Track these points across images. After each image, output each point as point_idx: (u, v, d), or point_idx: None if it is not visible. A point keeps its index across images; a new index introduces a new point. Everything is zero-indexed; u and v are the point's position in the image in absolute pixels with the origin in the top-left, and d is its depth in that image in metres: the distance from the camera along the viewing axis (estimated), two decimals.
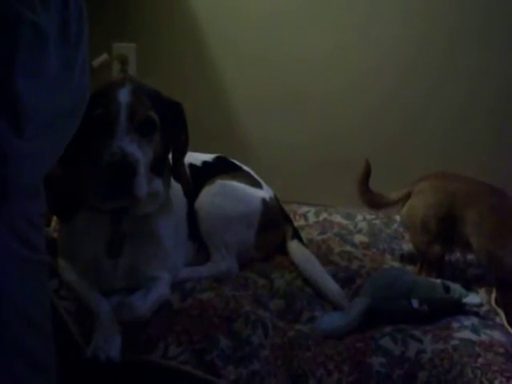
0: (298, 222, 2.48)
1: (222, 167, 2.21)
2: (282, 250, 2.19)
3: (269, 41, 2.87)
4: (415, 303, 1.76)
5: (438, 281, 1.86)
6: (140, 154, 1.65)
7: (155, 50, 2.97)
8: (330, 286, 1.96)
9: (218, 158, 2.26)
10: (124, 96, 1.68)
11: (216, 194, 2.07)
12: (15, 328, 1.17)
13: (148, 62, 2.97)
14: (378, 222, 2.51)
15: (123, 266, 1.81)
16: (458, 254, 2.17)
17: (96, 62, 2.68)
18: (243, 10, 2.90)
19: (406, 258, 2.26)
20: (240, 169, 2.28)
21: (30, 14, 1.01)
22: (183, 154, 1.87)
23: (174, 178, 1.85)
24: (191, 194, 2.03)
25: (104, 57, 2.78)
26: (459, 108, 2.73)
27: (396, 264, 2.22)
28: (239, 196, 2.10)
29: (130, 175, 1.61)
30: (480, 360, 1.57)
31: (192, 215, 2.04)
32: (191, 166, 2.09)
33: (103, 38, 2.78)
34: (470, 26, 2.69)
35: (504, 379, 1.51)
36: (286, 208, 2.38)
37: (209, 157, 2.23)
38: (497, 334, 1.69)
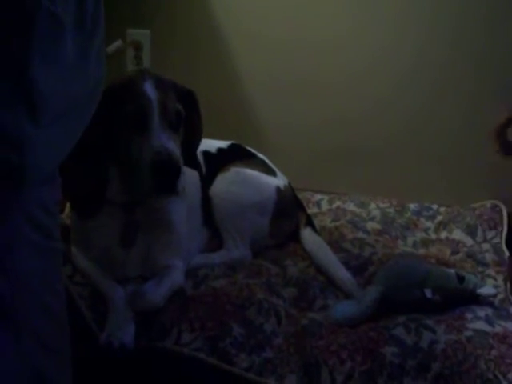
0: (312, 210, 2.48)
1: (237, 154, 2.22)
2: (296, 237, 2.19)
3: (282, 26, 2.84)
4: (429, 293, 1.75)
5: (453, 271, 1.85)
6: (177, 150, 1.66)
7: (169, 36, 2.96)
8: (342, 274, 1.96)
9: (232, 144, 2.26)
10: (152, 90, 1.68)
11: (231, 182, 2.07)
12: (32, 315, 1.18)
13: (162, 48, 2.96)
14: (391, 210, 2.50)
15: (136, 254, 1.82)
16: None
17: (110, 49, 2.67)
18: None
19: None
20: (254, 156, 2.28)
21: (47, 1, 1.01)
22: (198, 142, 1.88)
23: (188, 166, 1.84)
24: (205, 181, 2.04)
25: (118, 43, 2.77)
26: (476, 92, 2.71)
27: (409, 249, 2.22)
28: (254, 184, 2.11)
29: (177, 174, 1.62)
30: (493, 352, 1.57)
31: (206, 202, 2.04)
32: (206, 152, 2.09)
33: (117, 23, 2.78)
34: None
35: None
36: (300, 196, 2.38)
37: (223, 144, 2.23)
38: (511, 326, 1.68)
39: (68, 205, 1.96)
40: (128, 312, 1.68)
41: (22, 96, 1.01)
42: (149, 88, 1.68)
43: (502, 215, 2.45)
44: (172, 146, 1.64)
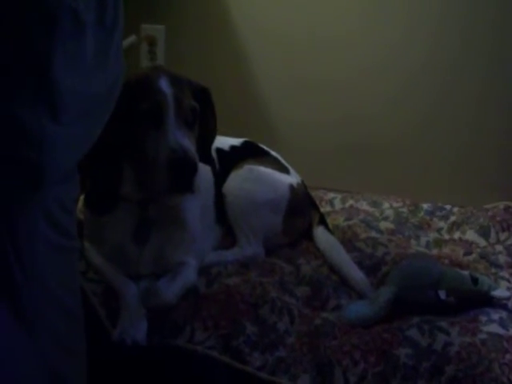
0: (324, 208, 2.47)
1: (250, 152, 2.21)
2: (309, 235, 2.18)
3: (296, 23, 2.84)
4: (443, 294, 1.74)
5: (467, 273, 1.84)
6: (193, 147, 1.65)
7: (184, 31, 2.95)
8: (355, 274, 1.95)
9: (245, 142, 2.26)
10: (167, 87, 1.67)
11: (244, 179, 2.07)
12: (48, 314, 1.18)
13: (176, 43, 2.96)
14: (404, 209, 2.49)
15: (150, 252, 1.81)
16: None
17: (124, 44, 2.65)
18: None
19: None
20: (268, 154, 2.27)
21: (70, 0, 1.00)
22: (212, 139, 1.87)
23: (202, 162, 1.82)
24: (218, 179, 2.04)
25: (132, 38, 2.77)
26: (486, 89, 2.69)
27: (422, 249, 2.21)
28: (267, 181, 2.10)
29: (193, 172, 1.61)
30: (508, 356, 1.56)
31: (220, 199, 2.04)
32: (219, 150, 2.09)
33: (132, 19, 2.77)
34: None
35: None
36: (313, 194, 2.38)
37: (236, 141, 2.23)
38: None
39: (81, 199, 1.96)
40: (141, 309, 1.68)
41: (44, 94, 1.01)
42: (164, 85, 1.67)
43: None
44: (187, 143, 1.63)
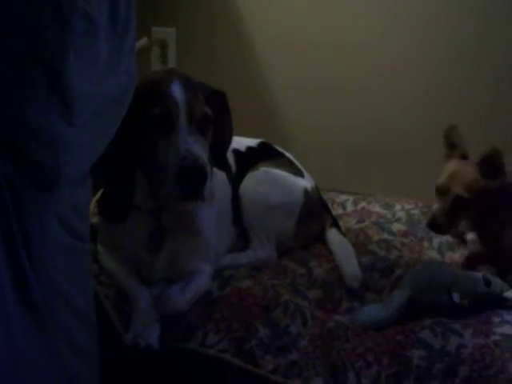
0: (336, 211, 2.46)
1: (266, 153, 2.20)
2: (321, 238, 2.18)
3: (308, 26, 2.84)
4: (456, 297, 1.74)
5: (480, 275, 1.83)
6: (204, 154, 1.62)
7: (195, 34, 2.96)
8: (348, 267, 1.97)
9: (262, 143, 2.25)
10: (179, 92, 1.63)
11: (259, 182, 2.06)
12: (62, 316, 1.19)
13: (187, 46, 2.96)
14: (416, 211, 2.48)
15: (163, 259, 1.80)
16: None
17: (136, 47, 2.67)
18: None
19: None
20: (283, 156, 2.26)
21: (82, 2, 1.01)
22: (228, 144, 1.86)
23: (218, 167, 1.83)
24: (235, 180, 2.03)
25: (144, 41, 2.77)
26: (503, 95, 2.69)
27: (434, 253, 2.20)
28: (282, 185, 2.09)
29: (203, 180, 1.57)
30: None
31: (236, 201, 2.04)
32: (235, 151, 2.08)
33: (143, 21, 2.77)
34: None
35: None
36: (325, 196, 2.37)
37: (253, 142, 2.22)
38: None
39: (93, 201, 1.96)
40: (153, 312, 1.69)
41: (58, 96, 1.01)
42: (176, 89, 1.63)
43: None
44: (199, 150, 1.59)
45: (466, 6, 2.67)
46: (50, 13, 0.98)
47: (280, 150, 2.29)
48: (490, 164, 1.87)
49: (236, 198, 2.04)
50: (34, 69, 1.00)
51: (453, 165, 1.97)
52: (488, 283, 1.78)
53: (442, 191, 1.95)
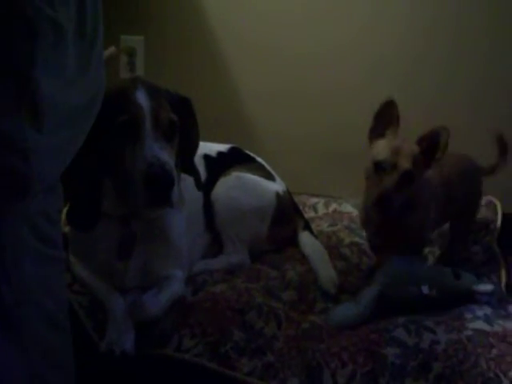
0: (308, 214, 2.48)
1: (237, 158, 2.22)
2: (294, 241, 2.19)
3: (277, 32, 2.86)
4: (425, 289, 1.76)
5: (449, 268, 1.86)
6: (171, 160, 1.62)
7: (163, 42, 2.96)
8: (324, 271, 1.98)
9: (232, 148, 2.26)
10: (144, 99, 1.63)
11: (231, 187, 2.08)
12: (36, 326, 1.18)
13: (156, 54, 2.97)
14: None
15: (135, 266, 1.80)
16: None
17: (104, 55, 2.67)
18: (251, 1, 2.90)
19: None
20: (254, 160, 2.28)
21: (49, 10, 1.01)
22: (195, 149, 1.86)
23: (186, 173, 1.83)
24: (206, 185, 2.03)
25: (112, 49, 2.76)
26: (475, 94, 2.72)
27: None
28: (254, 189, 2.12)
29: (170, 186, 1.57)
30: (494, 351, 1.58)
31: (208, 206, 2.05)
32: (206, 156, 2.09)
33: (111, 30, 2.77)
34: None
35: None
36: (296, 199, 2.39)
37: (223, 147, 2.24)
38: (510, 325, 1.69)
39: (64, 211, 1.94)
40: (128, 319, 1.68)
41: (26, 103, 1.01)
42: (141, 97, 1.63)
43: (496, 213, 2.44)
44: (165, 156, 1.59)
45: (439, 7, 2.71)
46: (15, 19, 0.98)
47: (251, 154, 2.30)
48: (430, 143, 1.85)
49: (208, 204, 2.05)
50: (3, 77, 0.99)
51: (391, 141, 1.86)
52: (457, 276, 1.81)
53: (384, 167, 1.80)
